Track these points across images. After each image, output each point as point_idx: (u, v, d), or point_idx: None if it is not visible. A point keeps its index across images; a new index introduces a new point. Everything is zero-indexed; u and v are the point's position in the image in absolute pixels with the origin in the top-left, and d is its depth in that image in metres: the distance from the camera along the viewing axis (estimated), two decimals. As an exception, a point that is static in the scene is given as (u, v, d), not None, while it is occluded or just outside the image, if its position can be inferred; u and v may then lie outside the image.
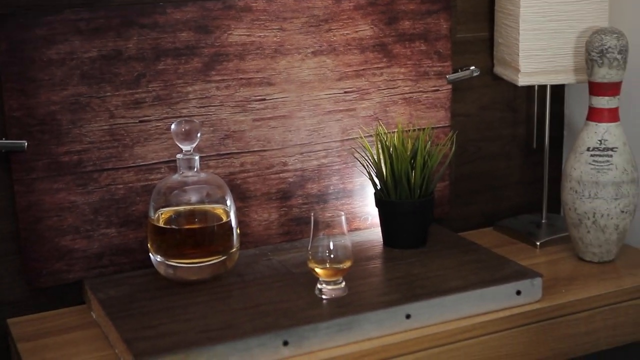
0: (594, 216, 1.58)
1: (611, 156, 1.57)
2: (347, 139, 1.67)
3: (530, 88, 1.84)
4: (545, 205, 1.80)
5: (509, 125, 1.86)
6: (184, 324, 1.30)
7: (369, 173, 1.61)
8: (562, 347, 1.47)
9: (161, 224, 1.44)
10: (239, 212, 1.56)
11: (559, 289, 1.50)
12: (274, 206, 1.63)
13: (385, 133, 1.60)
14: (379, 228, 1.63)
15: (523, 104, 1.87)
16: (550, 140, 1.81)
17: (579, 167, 1.59)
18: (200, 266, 1.44)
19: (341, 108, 1.65)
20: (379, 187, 1.60)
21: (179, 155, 1.45)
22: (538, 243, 1.71)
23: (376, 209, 1.62)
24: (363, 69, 1.66)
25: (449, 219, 1.80)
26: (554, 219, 1.80)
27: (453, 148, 1.65)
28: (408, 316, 1.35)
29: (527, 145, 1.88)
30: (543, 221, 1.79)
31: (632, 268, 1.60)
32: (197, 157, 1.45)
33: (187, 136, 1.43)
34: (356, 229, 1.69)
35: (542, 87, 1.78)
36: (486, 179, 1.86)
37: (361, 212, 1.70)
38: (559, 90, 1.87)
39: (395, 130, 1.63)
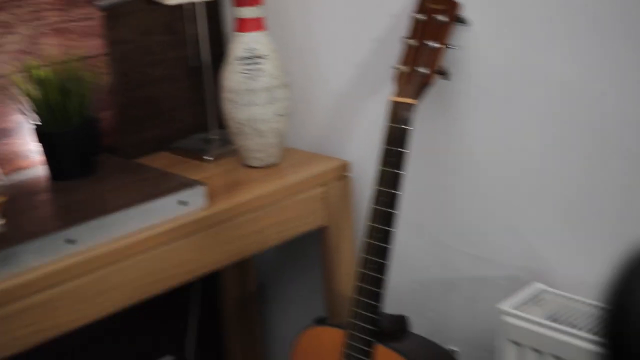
0: (252, 122, 1.64)
1: (261, 64, 1.63)
2: (-4, 77, 1.59)
3: (189, 9, 1.86)
4: (213, 122, 1.84)
5: (171, 48, 1.87)
6: None
7: (25, 109, 1.55)
8: (233, 249, 1.53)
9: None
10: None
11: (225, 196, 1.55)
12: None
13: (37, 66, 1.55)
14: (44, 164, 1.59)
15: (182, 25, 1.88)
16: (212, 58, 1.85)
17: (231, 77, 1.64)
18: None
19: (-15, 45, 1.58)
20: (36, 121, 1.55)
21: None
22: (208, 158, 1.75)
23: (38, 145, 1.57)
24: (4, 2, 1.58)
25: (122, 148, 1.79)
26: (223, 134, 1.84)
27: (112, 75, 1.63)
28: (71, 241, 1.33)
29: (191, 66, 1.90)
30: (213, 137, 1.83)
31: (294, 167, 1.69)
32: None
33: None
34: (19, 169, 1.63)
35: (199, 6, 1.81)
36: (155, 104, 1.86)
37: (23, 151, 1.64)
38: (215, 9, 1.91)
39: (48, 62, 1.58)
